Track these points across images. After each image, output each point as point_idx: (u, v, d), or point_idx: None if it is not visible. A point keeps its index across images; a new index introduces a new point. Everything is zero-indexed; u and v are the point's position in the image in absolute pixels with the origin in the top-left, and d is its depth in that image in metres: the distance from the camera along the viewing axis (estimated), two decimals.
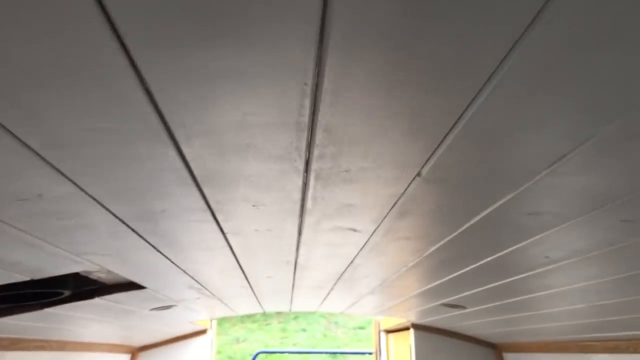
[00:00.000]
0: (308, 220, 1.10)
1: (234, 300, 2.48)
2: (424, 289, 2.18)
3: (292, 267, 1.63)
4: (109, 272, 1.55)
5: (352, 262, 1.56)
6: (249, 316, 12.47)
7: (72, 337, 2.82)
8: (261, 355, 9.93)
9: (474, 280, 1.91)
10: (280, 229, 1.18)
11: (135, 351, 4.03)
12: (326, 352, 10.18)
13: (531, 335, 3.14)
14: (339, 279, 1.91)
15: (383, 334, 4.39)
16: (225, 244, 1.29)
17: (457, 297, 2.30)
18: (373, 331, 4.65)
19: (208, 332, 4.17)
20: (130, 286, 1.72)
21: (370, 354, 5.83)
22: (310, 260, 1.54)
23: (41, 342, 2.63)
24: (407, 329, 3.78)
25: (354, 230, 1.19)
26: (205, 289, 2.01)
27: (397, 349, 4.17)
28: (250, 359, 7.45)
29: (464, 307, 2.44)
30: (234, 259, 1.52)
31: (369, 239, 1.28)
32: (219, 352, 10.71)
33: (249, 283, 1.93)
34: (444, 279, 1.91)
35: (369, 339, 11.53)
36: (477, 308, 2.48)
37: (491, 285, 1.95)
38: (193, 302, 2.34)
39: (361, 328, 11.90)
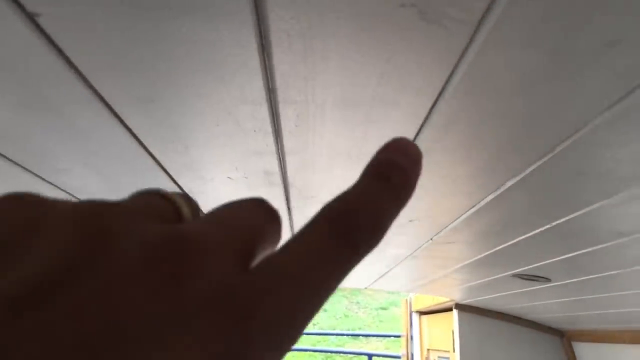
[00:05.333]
0: None
1: None
2: (490, 251, 1.44)
3: (271, 139, 0.75)
4: None
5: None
6: None
7: None
8: None
9: (566, 241, 1.17)
10: None
11: None
12: (347, 334, 9.61)
13: (618, 322, 2.36)
14: None
15: (415, 316, 3.65)
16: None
17: (538, 265, 1.56)
18: (403, 312, 3.90)
19: None
20: None
21: (397, 337, 5.12)
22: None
23: None
24: (447, 310, 3.03)
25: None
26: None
27: (433, 333, 3.42)
28: None
29: (547, 280, 1.67)
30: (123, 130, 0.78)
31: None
32: None
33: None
34: (526, 236, 1.17)
35: (392, 320, 10.89)
36: (564, 282, 1.72)
37: (587, 250, 1.22)
38: None
39: (384, 309, 11.49)
